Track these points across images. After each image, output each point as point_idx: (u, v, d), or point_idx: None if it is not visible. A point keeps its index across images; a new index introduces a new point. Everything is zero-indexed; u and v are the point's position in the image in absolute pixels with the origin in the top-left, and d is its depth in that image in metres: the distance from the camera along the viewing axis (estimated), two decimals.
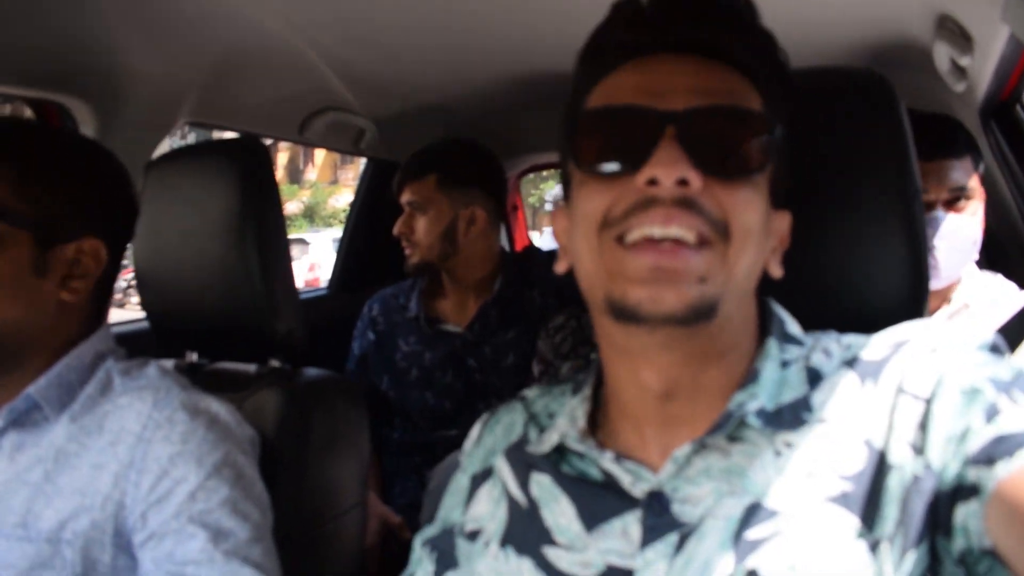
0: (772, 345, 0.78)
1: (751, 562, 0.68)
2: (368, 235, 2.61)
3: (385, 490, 2.12)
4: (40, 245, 1.07)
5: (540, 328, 2.00)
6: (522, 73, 1.91)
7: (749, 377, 0.75)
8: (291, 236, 1.93)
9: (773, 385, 0.75)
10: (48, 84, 1.49)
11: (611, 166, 0.73)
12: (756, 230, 0.72)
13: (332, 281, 2.64)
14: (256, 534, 1.05)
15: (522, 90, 2.08)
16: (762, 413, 0.73)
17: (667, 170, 0.69)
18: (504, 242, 2.66)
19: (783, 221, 0.80)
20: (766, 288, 0.80)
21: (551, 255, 2.28)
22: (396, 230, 2.11)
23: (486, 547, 0.83)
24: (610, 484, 0.77)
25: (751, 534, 0.69)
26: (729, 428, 0.73)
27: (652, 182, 0.70)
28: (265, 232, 1.25)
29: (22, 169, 1.06)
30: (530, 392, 0.93)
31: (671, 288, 0.69)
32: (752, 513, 0.70)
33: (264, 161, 1.29)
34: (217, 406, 1.13)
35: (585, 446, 0.79)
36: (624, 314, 0.71)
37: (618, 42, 0.78)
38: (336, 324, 2.33)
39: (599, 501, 0.77)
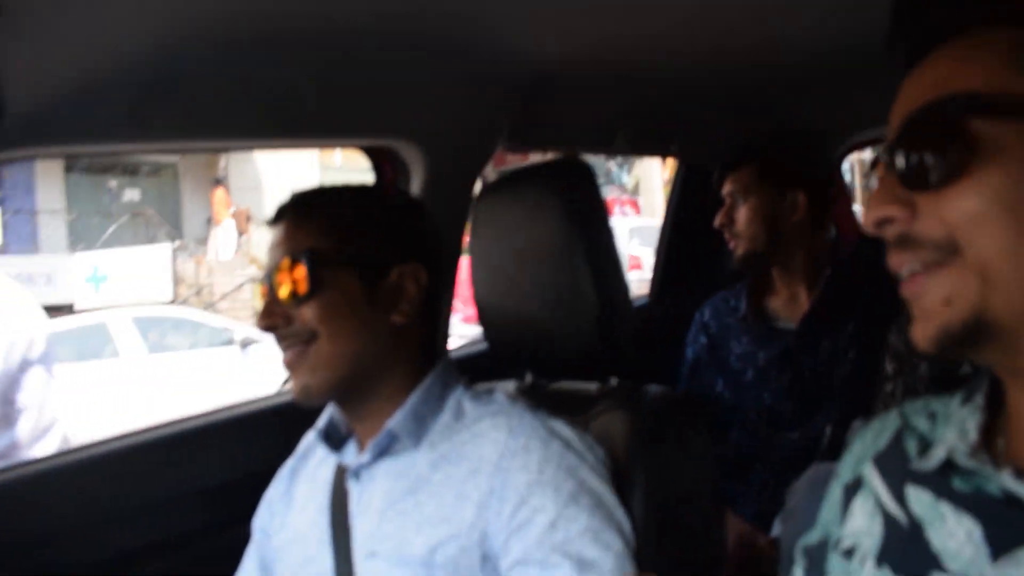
0: None
1: None
2: (685, 241, 2.55)
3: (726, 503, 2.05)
4: (365, 278, 1.16)
5: (886, 321, 1.84)
6: (830, 48, 1.77)
7: None
8: None
9: None
10: (379, 132, 1.59)
11: None
12: (993, 219, 0.64)
13: (652, 289, 2.61)
14: (618, 564, 1.05)
15: (835, 67, 1.94)
16: None
17: (866, 217, 0.69)
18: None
19: None
20: None
21: None
22: (717, 222, 2.06)
23: (862, 565, 0.75)
24: (1015, 503, 0.65)
25: None
26: None
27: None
28: (596, 248, 1.25)
29: (331, 218, 1.18)
30: (911, 403, 0.84)
31: (922, 322, 0.68)
32: None
33: (588, 178, 1.28)
34: (568, 431, 1.15)
35: (977, 462, 0.68)
36: None
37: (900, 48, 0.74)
38: (657, 332, 2.30)
39: (1005, 522, 0.66)
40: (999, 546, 0.65)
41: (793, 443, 1.98)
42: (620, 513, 1.11)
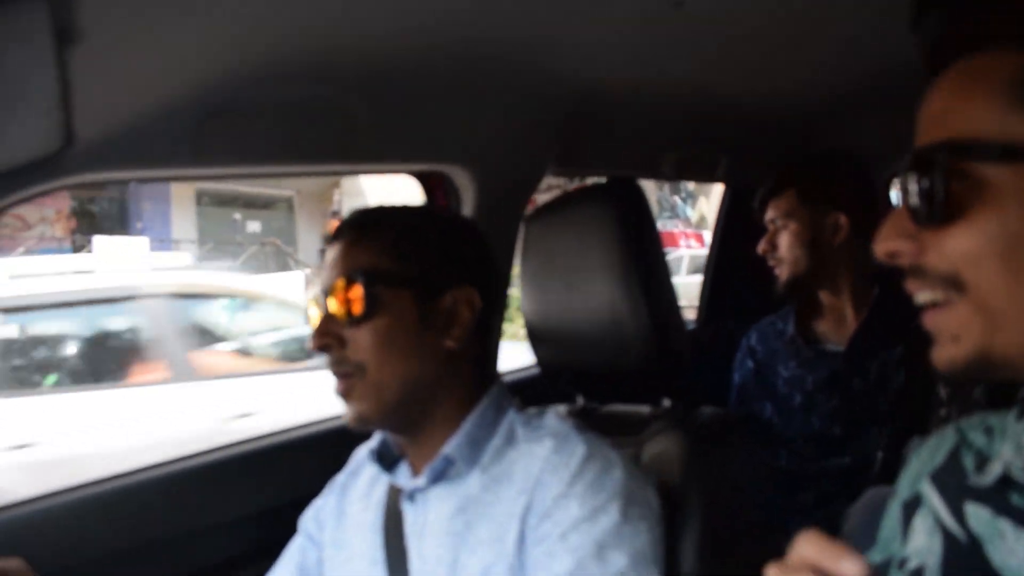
0: None
1: None
2: (732, 264, 2.54)
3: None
4: (421, 300, 1.15)
5: None
6: (876, 70, 1.77)
7: None
8: None
9: None
10: (431, 157, 1.61)
11: None
12: (992, 259, 0.66)
13: (700, 313, 2.60)
14: None
15: (879, 88, 1.93)
16: None
17: (877, 248, 0.72)
18: None
19: None
20: None
21: None
22: (760, 248, 2.05)
23: None
24: None
25: None
26: None
27: None
28: (649, 270, 1.25)
29: (394, 237, 1.17)
30: (967, 419, 0.82)
31: (938, 348, 0.70)
32: None
33: (639, 199, 1.29)
34: (614, 453, 1.13)
35: None
36: None
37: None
38: (707, 357, 2.28)
39: None
40: None
41: (842, 468, 1.95)
42: (645, 540, 1.09)
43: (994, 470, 0.71)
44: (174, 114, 1.18)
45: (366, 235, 1.18)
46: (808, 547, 0.63)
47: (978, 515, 0.72)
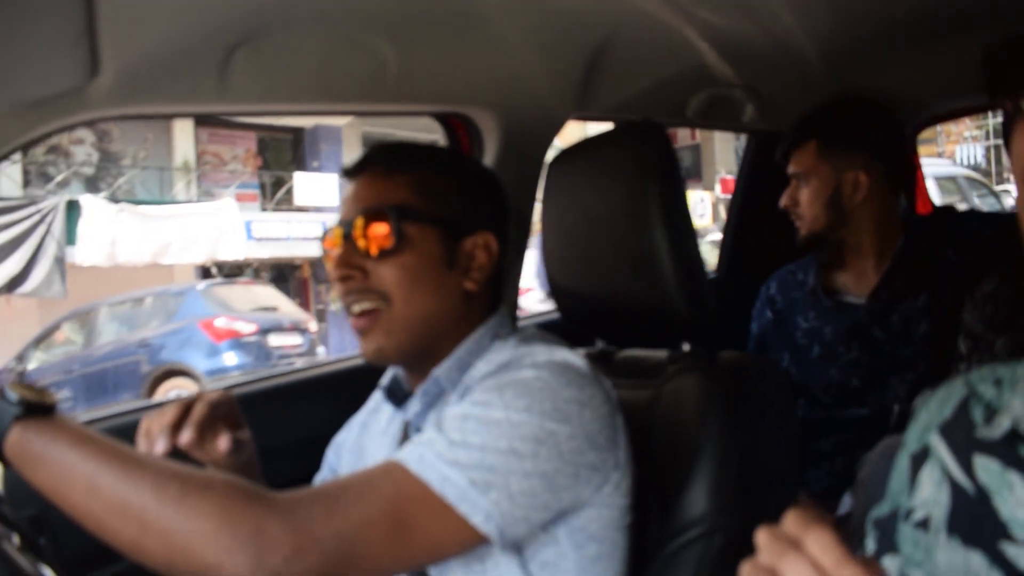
0: None
1: None
2: (756, 213, 2.53)
3: None
4: (446, 241, 1.16)
5: (959, 292, 1.80)
6: (909, 14, 1.73)
7: None
8: None
9: None
10: (454, 100, 1.60)
11: None
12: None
13: (721, 263, 2.59)
14: (486, 461, 0.99)
15: (907, 33, 1.89)
16: None
17: None
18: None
19: None
20: None
21: (968, 211, 2.06)
22: (782, 203, 2.04)
23: (937, 536, 0.75)
24: None
25: None
26: None
27: None
28: (671, 214, 1.24)
29: (423, 175, 1.17)
30: (977, 371, 0.82)
31: None
32: None
33: (664, 142, 1.27)
34: (575, 371, 1.10)
35: None
36: None
37: None
38: (729, 307, 2.28)
39: None
40: None
41: (860, 419, 1.96)
42: (546, 462, 1.01)
43: (1003, 423, 0.72)
44: (200, 47, 1.18)
45: (395, 170, 1.18)
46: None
47: (987, 467, 0.72)
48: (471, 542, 0.99)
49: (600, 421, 1.07)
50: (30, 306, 12.28)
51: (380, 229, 1.13)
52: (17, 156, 11.73)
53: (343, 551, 0.92)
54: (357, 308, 1.15)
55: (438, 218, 1.16)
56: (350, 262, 1.15)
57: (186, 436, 1.09)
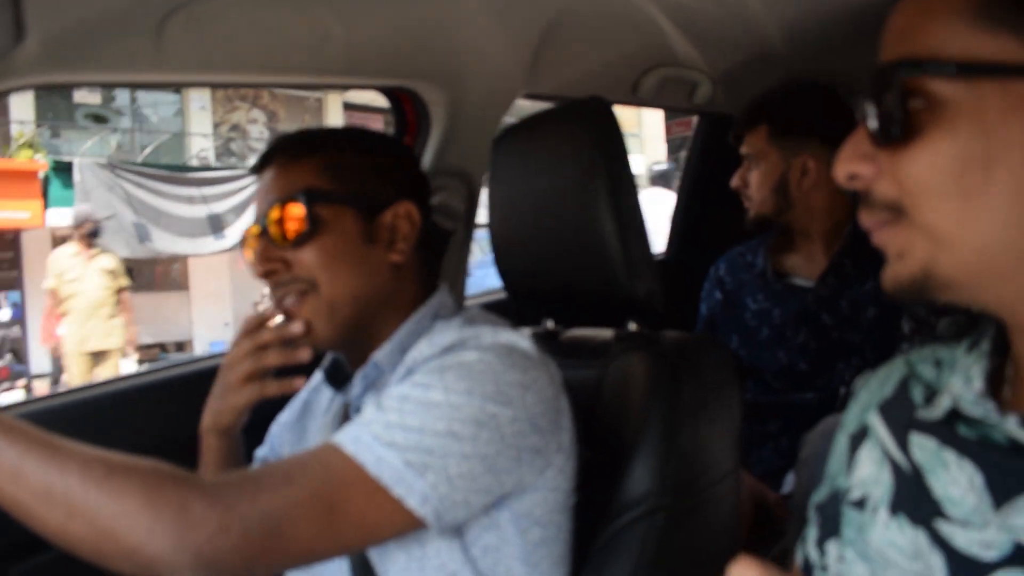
0: None
1: None
2: (705, 194, 2.53)
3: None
4: (362, 217, 1.15)
5: None
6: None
7: None
8: None
9: None
10: (401, 73, 1.57)
11: None
12: (939, 187, 0.65)
13: (670, 244, 2.60)
14: (424, 443, 0.97)
15: (866, 19, 1.90)
16: None
17: (836, 169, 0.69)
18: None
19: None
20: None
21: None
22: (733, 183, 2.05)
23: (875, 515, 0.74)
24: (1020, 451, 0.64)
25: None
26: None
27: None
28: (618, 192, 1.23)
29: (329, 157, 1.17)
30: (917, 351, 0.82)
31: (887, 269, 0.69)
32: None
33: (611, 120, 1.26)
34: (521, 354, 1.09)
35: (982, 410, 0.67)
36: None
37: None
38: (677, 289, 2.28)
39: (1008, 470, 0.65)
40: (1001, 493, 0.64)
41: (808, 402, 1.97)
42: (486, 445, 1.00)
43: (943, 403, 0.71)
44: (134, 12, 1.13)
45: (302, 156, 1.17)
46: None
47: (923, 445, 0.72)
48: (406, 525, 0.98)
49: (543, 404, 1.06)
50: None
51: (293, 215, 1.12)
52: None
53: (269, 531, 0.90)
54: (287, 302, 1.15)
55: (350, 195, 1.15)
56: (270, 255, 1.14)
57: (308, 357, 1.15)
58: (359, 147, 1.21)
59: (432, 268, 1.26)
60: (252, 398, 1.16)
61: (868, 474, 0.78)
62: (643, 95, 2.04)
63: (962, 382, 0.71)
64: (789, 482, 1.90)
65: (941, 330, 1.72)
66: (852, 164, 0.68)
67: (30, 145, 11.85)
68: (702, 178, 2.54)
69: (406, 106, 1.67)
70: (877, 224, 0.68)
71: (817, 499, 0.85)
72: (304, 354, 1.15)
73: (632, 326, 1.31)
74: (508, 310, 1.47)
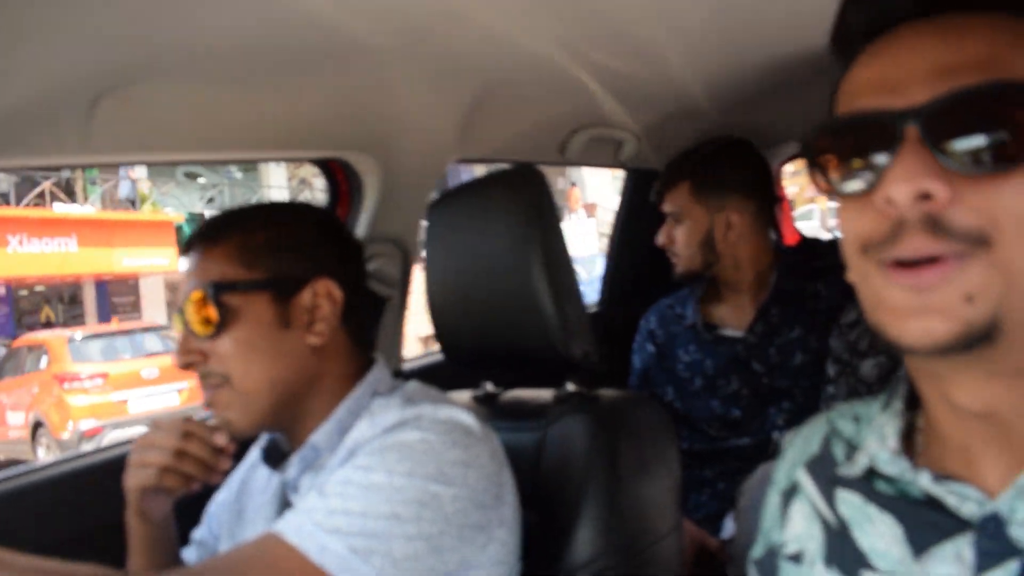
0: None
1: None
2: (634, 247, 2.58)
3: None
4: (277, 301, 1.13)
5: (830, 323, 1.89)
6: (785, 54, 1.81)
7: None
8: None
9: None
10: (334, 145, 1.59)
11: (853, 185, 0.64)
12: None
13: (603, 296, 2.64)
14: (367, 527, 0.97)
15: (784, 74, 1.98)
16: None
17: (900, 186, 0.59)
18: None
19: None
20: None
21: (834, 243, 2.16)
22: (658, 241, 2.10)
23: (812, 568, 0.77)
24: (934, 504, 0.68)
25: None
26: None
27: (891, 202, 0.60)
28: (551, 256, 1.26)
29: (240, 239, 1.14)
30: (837, 408, 0.86)
31: (931, 317, 0.60)
32: None
33: (542, 186, 1.29)
34: (467, 418, 1.10)
35: (898, 468, 0.71)
36: (892, 347, 0.63)
37: (852, 22, 0.68)
38: (611, 340, 2.32)
39: (925, 522, 0.68)
40: (919, 544, 0.68)
41: (743, 449, 2.01)
42: (445, 512, 1.00)
43: (861, 461, 0.75)
44: (61, 98, 1.12)
45: (216, 242, 1.15)
46: None
47: (848, 501, 0.75)
48: None
49: (486, 480, 1.06)
50: None
51: (206, 308, 1.10)
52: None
53: None
54: (204, 388, 1.14)
55: (261, 281, 1.13)
56: (189, 347, 1.13)
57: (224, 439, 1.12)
58: (277, 224, 1.18)
59: (363, 341, 1.24)
60: (147, 484, 1.13)
61: (801, 529, 0.80)
62: (571, 155, 2.08)
63: (877, 441, 0.74)
64: (729, 527, 1.93)
65: (864, 372, 1.78)
66: (924, 181, 0.59)
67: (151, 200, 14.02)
68: (631, 230, 2.60)
69: (338, 176, 1.68)
70: (951, 256, 0.59)
71: (755, 555, 0.87)
72: (224, 463, 1.14)
73: (570, 386, 1.34)
74: (447, 372, 1.49)
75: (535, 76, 1.68)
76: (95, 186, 15.47)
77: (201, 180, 17.11)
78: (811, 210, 18.43)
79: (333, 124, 1.52)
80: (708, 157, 2.06)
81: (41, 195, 14.66)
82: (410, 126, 1.63)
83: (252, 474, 1.30)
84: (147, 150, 1.31)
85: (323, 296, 1.15)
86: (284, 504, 1.18)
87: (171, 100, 1.26)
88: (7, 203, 14.59)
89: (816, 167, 0.68)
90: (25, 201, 14.56)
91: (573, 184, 19.05)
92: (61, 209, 14.28)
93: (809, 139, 0.68)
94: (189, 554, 1.30)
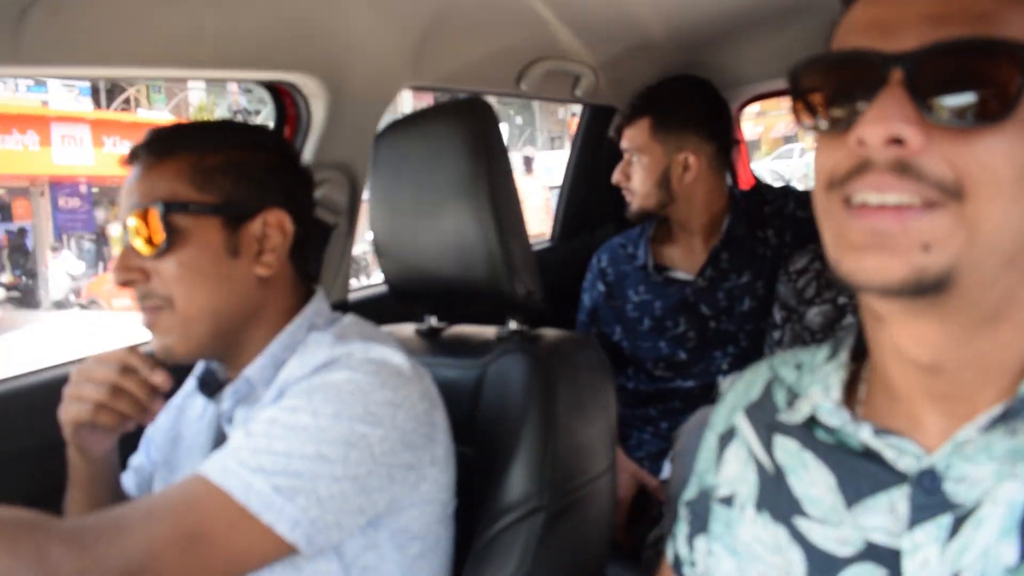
0: None
1: None
2: (588, 183, 2.57)
3: (620, 442, 2.10)
4: (228, 227, 1.09)
5: (778, 270, 1.90)
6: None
7: None
8: None
9: None
10: (281, 66, 1.53)
11: (831, 123, 0.64)
12: (1008, 180, 0.59)
13: (555, 232, 2.63)
14: (292, 467, 0.96)
15: (746, 13, 1.95)
16: None
17: (873, 128, 0.59)
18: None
19: None
20: None
21: (785, 191, 2.16)
22: (614, 178, 2.09)
23: (743, 512, 0.78)
24: (872, 456, 0.69)
25: None
26: None
27: (862, 142, 0.60)
28: (498, 191, 1.24)
29: (194, 158, 1.09)
30: (780, 355, 0.86)
31: (887, 256, 0.60)
32: None
33: (491, 119, 1.27)
34: (397, 357, 1.08)
35: (839, 420, 0.71)
36: (845, 283, 0.63)
37: None
38: (561, 275, 2.31)
39: (861, 473, 0.69)
40: (853, 494, 0.69)
41: (688, 390, 2.04)
42: (357, 465, 0.99)
43: (803, 409, 0.75)
44: None
45: (166, 157, 1.10)
46: None
47: (785, 447, 0.76)
48: (277, 551, 0.96)
49: (415, 420, 1.05)
50: None
51: (152, 225, 1.06)
52: None
53: (131, 572, 0.88)
54: (143, 308, 1.10)
55: (214, 205, 1.09)
56: (129, 264, 1.08)
57: (162, 378, 1.08)
58: (230, 147, 1.12)
59: (308, 273, 1.21)
60: (80, 419, 1.09)
61: (735, 473, 0.81)
62: (527, 87, 2.05)
63: (821, 391, 0.74)
64: (667, 469, 1.96)
65: (809, 320, 1.80)
66: (898, 126, 0.59)
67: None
68: (586, 166, 2.58)
69: (285, 99, 1.63)
70: (917, 204, 0.59)
71: (687, 496, 0.88)
72: (157, 405, 1.10)
73: (513, 324, 1.33)
74: (391, 305, 1.47)
75: (489, 4, 1.63)
76: (159, 94, 16.67)
77: None
78: (790, 149, 18.90)
79: (278, 44, 1.46)
80: (671, 94, 2.04)
81: (127, 100, 15.95)
82: (359, 49, 1.58)
83: (188, 402, 1.28)
84: (78, 62, 1.24)
85: (274, 227, 1.12)
86: (219, 434, 1.17)
87: (103, 11, 1.20)
88: (99, 106, 15.73)
89: (801, 101, 0.68)
90: (114, 105, 15.67)
91: (574, 114, 19.54)
92: (144, 115, 15.46)
93: (796, 73, 0.68)
94: (127, 480, 1.29)
